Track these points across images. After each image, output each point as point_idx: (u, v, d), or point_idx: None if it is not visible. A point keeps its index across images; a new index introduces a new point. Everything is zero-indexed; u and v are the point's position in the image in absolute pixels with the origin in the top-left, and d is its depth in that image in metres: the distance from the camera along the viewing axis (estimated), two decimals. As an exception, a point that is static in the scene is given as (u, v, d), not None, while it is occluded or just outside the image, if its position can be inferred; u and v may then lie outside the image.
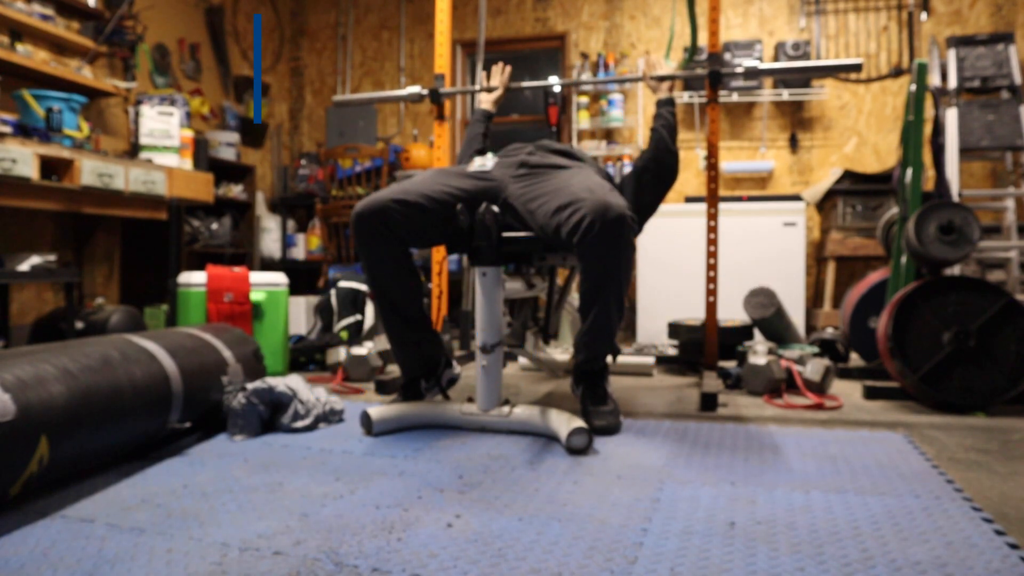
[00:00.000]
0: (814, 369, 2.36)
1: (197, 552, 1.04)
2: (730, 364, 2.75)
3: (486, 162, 1.99)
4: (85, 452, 1.35)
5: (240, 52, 5.17)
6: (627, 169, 4.71)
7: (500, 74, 2.55)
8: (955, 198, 3.05)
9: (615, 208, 1.61)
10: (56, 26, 3.54)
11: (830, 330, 3.34)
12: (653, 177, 2.12)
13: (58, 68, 3.44)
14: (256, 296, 2.70)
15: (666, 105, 2.22)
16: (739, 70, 2.38)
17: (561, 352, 2.85)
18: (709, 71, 2.43)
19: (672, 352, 3.28)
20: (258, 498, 1.28)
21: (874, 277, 3.01)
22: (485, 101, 2.50)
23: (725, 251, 3.76)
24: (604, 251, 1.64)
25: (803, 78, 4.51)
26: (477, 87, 2.63)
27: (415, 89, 2.71)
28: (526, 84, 2.62)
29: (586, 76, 4.86)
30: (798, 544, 1.07)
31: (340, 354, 2.87)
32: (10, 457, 1.16)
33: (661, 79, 2.33)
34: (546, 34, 5.11)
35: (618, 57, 4.86)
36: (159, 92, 4.17)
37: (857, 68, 2.25)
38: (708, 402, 2.14)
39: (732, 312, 3.62)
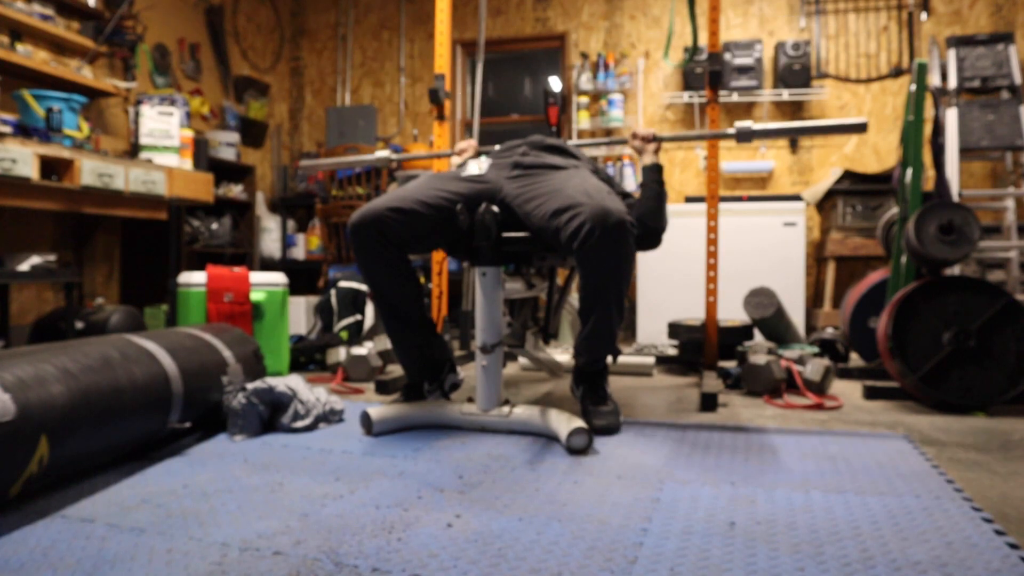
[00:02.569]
0: (814, 369, 2.36)
1: (197, 552, 1.04)
2: (730, 364, 2.75)
3: (481, 165, 1.99)
4: (85, 452, 1.35)
5: (240, 52, 5.17)
6: (627, 169, 4.71)
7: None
8: (955, 198, 3.05)
9: (615, 214, 1.61)
10: (56, 26, 3.54)
11: (830, 330, 3.34)
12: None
13: (58, 68, 3.44)
14: (256, 296, 2.70)
15: (652, 172, 2.03)
16: (730, 132, 2.05)
17: (561, 352, 2.85)
18: (709, 69, 2.43)
19: (672, 352, 3.28)
20: (258, 498, 1.28)
21: (874, 277, 3.01)
22: (455, 165, 2.30)
23: (725, 251, 3.76)
24: (604, 257, 1.63)
25: (803, 77, 4.50)
26: (431, 152, 2.44)
27: (383, 153, 2.51)
28: (498, 147, 2.19)
29: (586, 76, 4.86)
30: (798, 544, 1.07)
31: (340, 354, 2.87)
32: (10, 457, 1.15)
33: (648, 140, 2.10)
34: (546, 34, 5.11)
35: (618, 57, 4.87)
36: (159, 92, 4.17)
37: (862, 129, 1.92)
38: (708, 402, 2.14)
39: (732, 312, 3.62)
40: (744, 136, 2.02)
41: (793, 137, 2.06)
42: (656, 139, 2.09)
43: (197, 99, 4.61)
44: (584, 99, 4.89)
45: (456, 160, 2.35)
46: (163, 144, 3.49)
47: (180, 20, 4.59)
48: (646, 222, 1.96)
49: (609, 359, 1.91)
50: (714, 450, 1.63)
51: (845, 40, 4.58)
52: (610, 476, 1.42)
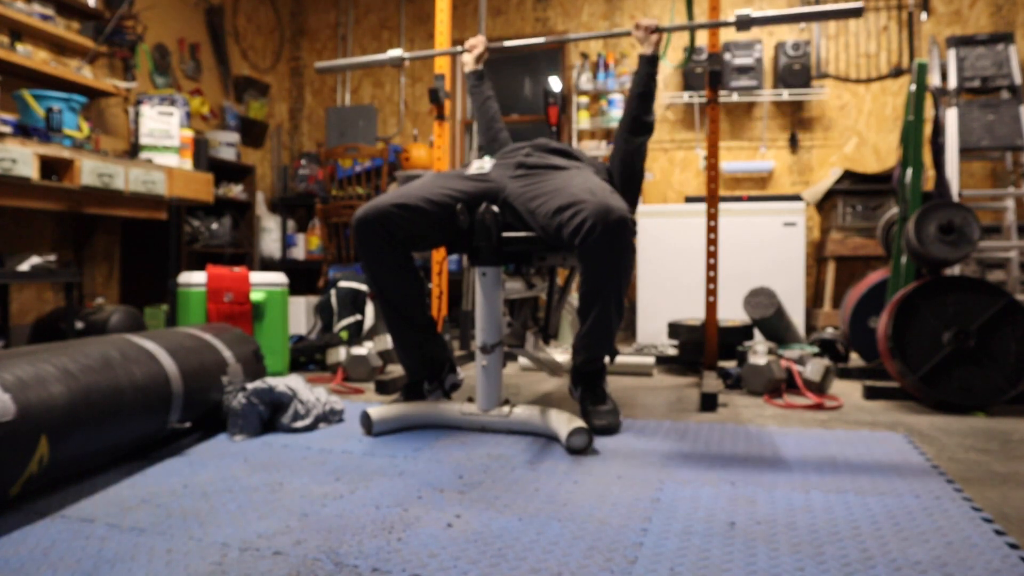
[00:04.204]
0: (814, 369, 2.36)
1: (197, 552, 1.04)
2: (730, 364, 2.75)
3: (484, 164, 2.00)
4: (85, 452, 1.35)
5: (240, 52, 5.17)
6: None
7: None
8: (955, 198, 3.05)
9: (616, 211, 1.62)
10: (56, 26, 3.54)
11: (830, 330, 3.34)
12: (632, 145, 2.08)
13: (58, 68, 3.43)
14: (256, 296, 2.70)
15: (648, 65, 2.08)
16: (731, 19, 2.16)
17: (561, 352, 2.85)
18: (709, 69, 2.43)
19: (672, 352, 3.28)
20: (258, 498, 1.28)
21: (874, 277, 3.01)
22: (469, 64, 2.38)
23: (725, 251, 3.76)
24: (605, 254, 1.64)
25: (803, 77, 4.51)
26: (440, 51, 2.47)
27: (396, 52, 2.51)
28: (508, 43, 2.39)
29: (586, 76, 4.86)
30: (798, 544, 1.07)
31: (340, 354, 2.87)
32: (10, 457, 1.16)
33: (651, 30, 2.12)
34: (546, 34, 5.11)
35: (618, 57, 4.87)
36: (159, 92, 4.17)
37: (858, 13, 2.03)
38: (708, 402, 2.14)
39: (732, 312, 3.62)
40: (743, 24, 2.13)
41: (790, 23, 2.24)
42: (658, 29, 2.13)
43: (197, 99, 4.61)
44: (584, 99, 4.89)
45: (467, 57, 2.37)
46: (163, 144, 3.49)
47: (180, 20, 4.59)
48: (633, 110, 2.05)
49: (607, 359, 1.91)
50: (714, 450, 1.63)
51: (845, 40, 4.58)
52: (610, 476, 1.42)
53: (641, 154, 2.13)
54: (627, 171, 2.11)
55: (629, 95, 2.12)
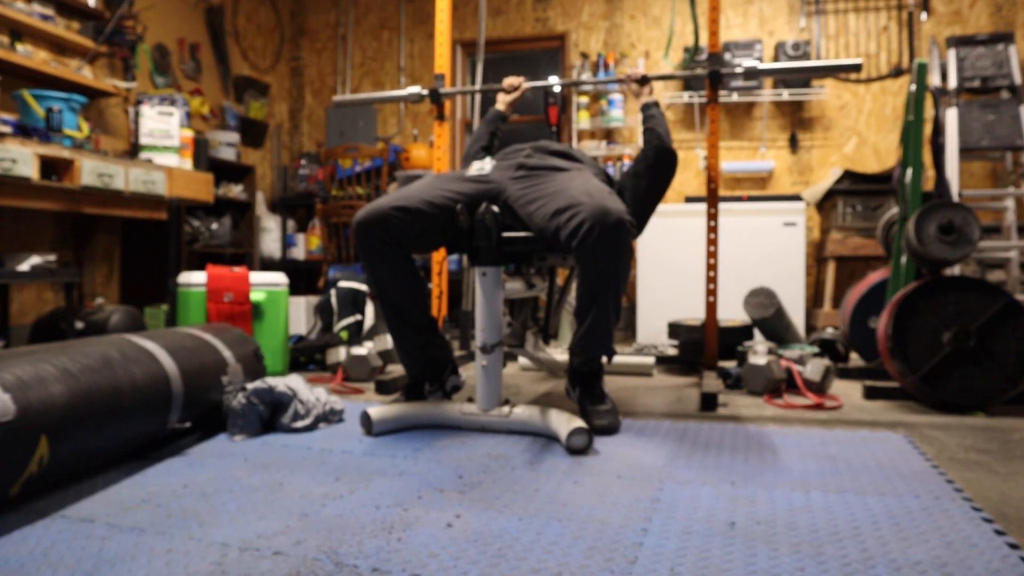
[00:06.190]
0: (814, 369, 2.36)
1: (197, 552, 1.04)
2: (730, 364, 2.75)
3: (484, 166, 2.00)
4: (85, 452, 1.35)
5: (240, 52, 5.17)
6: (627, 169, 4.71)
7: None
8: (955, 198, 3.05)
9: (614, 213, 1.62)
10: (56, 26, 3.54)
11: (830, 330, 3.34)
12: (653, 177, 2.12)
13: (58, 68, 3.43)
14: (256, 296, 2.70)
15: (653, 107, 2.24)
16: (738, 70, 2.35)
17: (561, 352, 2.85)
18: (709, 71, 2.43)
19: (672, 352, 3.28)
20: (258, 498, 1.28)
21: (874, 277, 3.01)
22: (501, 103, 2.50)
23: (725, 251, 3.76)
24: (602, 255, 1.64)
25: (803, 78, 4.51)
26: (477, 87, 2.62)
27: (415, 89, 2.70)
28: (538, 83, 2.60)
29: (586, 76, 4.86)
30: (798, 544, 1.07)
31: (340, 354, 2.87)
32: (10, 457, 1.16)
33: (643, 82, 2.34)
34: (546, 34, 5.11)
35: (618, 57, 4.87)
36: (159, 92, 4.17)
37: (856, 68, 2.24)
38: (708, 402, 2.14)
39: (732, 312, 3.62)
40: (751, 74, 2.34)
41: (791, 77, 2.50)
42: (655, 77, 2.36)
43: (197, 99, 4.61)
44: (584, 99, 4.89)
45: (503, 98, 2.51)
46: (163, 144, 3.49)
47: (180, 20, 4.59)
48: (665, 141, 2.14)
49: (604, 359, 1.91)
50: (714, 450, 1.63)
51: (845, 40, 4.58)
52: (610, 476, 1.42)
53: (664, 188, 2.18)
54: (643, 199, 2.14)
55: (647, 130, 2.20)
